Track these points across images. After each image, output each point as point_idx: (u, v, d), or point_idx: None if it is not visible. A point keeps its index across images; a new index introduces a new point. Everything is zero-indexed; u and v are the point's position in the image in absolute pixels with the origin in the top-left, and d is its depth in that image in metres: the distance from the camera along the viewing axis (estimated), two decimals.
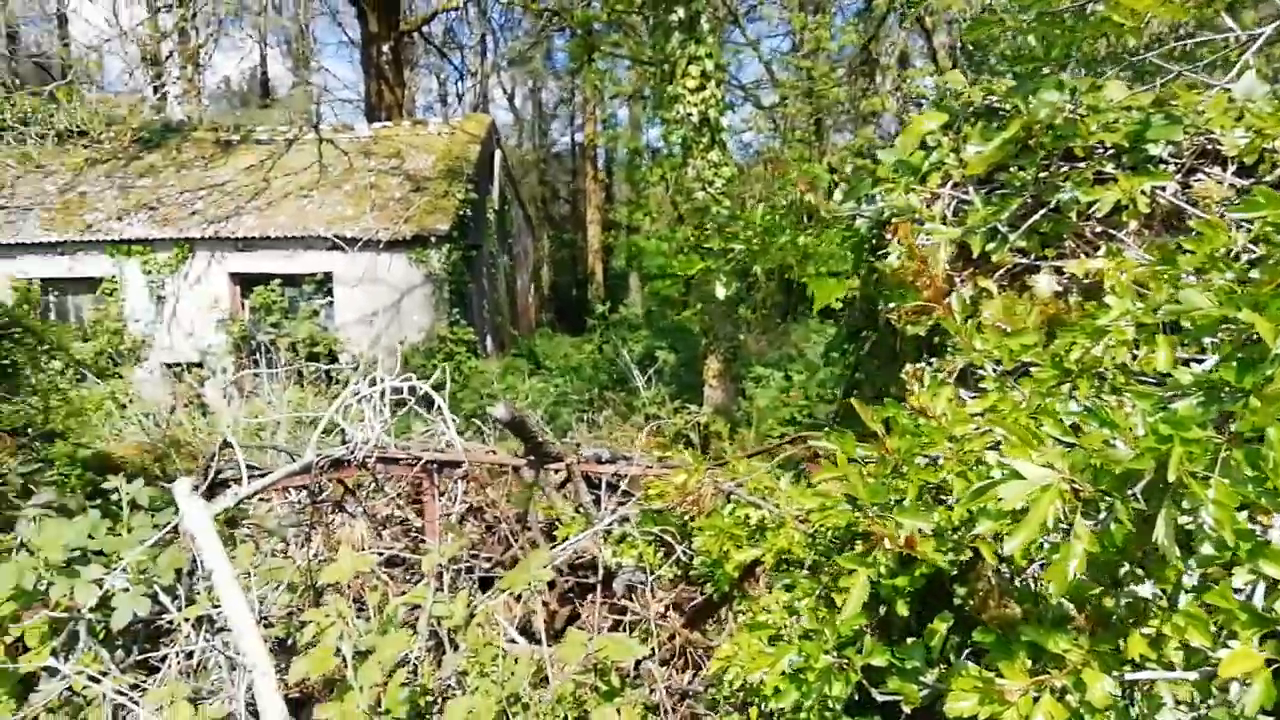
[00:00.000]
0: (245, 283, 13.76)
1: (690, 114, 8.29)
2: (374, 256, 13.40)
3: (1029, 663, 1.44)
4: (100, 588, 2.80)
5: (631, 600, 3.54)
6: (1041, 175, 2.35)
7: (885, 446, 1.66)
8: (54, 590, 2.63)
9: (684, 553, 2.82)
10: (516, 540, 4.44)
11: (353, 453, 3.42)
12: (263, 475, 3.15)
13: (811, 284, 2.42)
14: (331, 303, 13.77)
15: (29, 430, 5.23)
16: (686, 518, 2.78)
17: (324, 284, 13.72)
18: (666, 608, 3.03)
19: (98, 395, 10.80)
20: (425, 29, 27.83)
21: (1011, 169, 2.39)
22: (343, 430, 3.54)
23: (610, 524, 3.09)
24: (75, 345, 12.61)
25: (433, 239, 13.35)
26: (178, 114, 29.39)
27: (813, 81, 15.39)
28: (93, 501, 5.44)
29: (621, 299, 33.80)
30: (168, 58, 30.38)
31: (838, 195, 2.65)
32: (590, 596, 3.22)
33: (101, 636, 2.87)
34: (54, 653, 2.65)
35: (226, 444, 3.31)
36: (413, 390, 3.67)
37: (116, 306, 13.64)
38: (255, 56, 39.27)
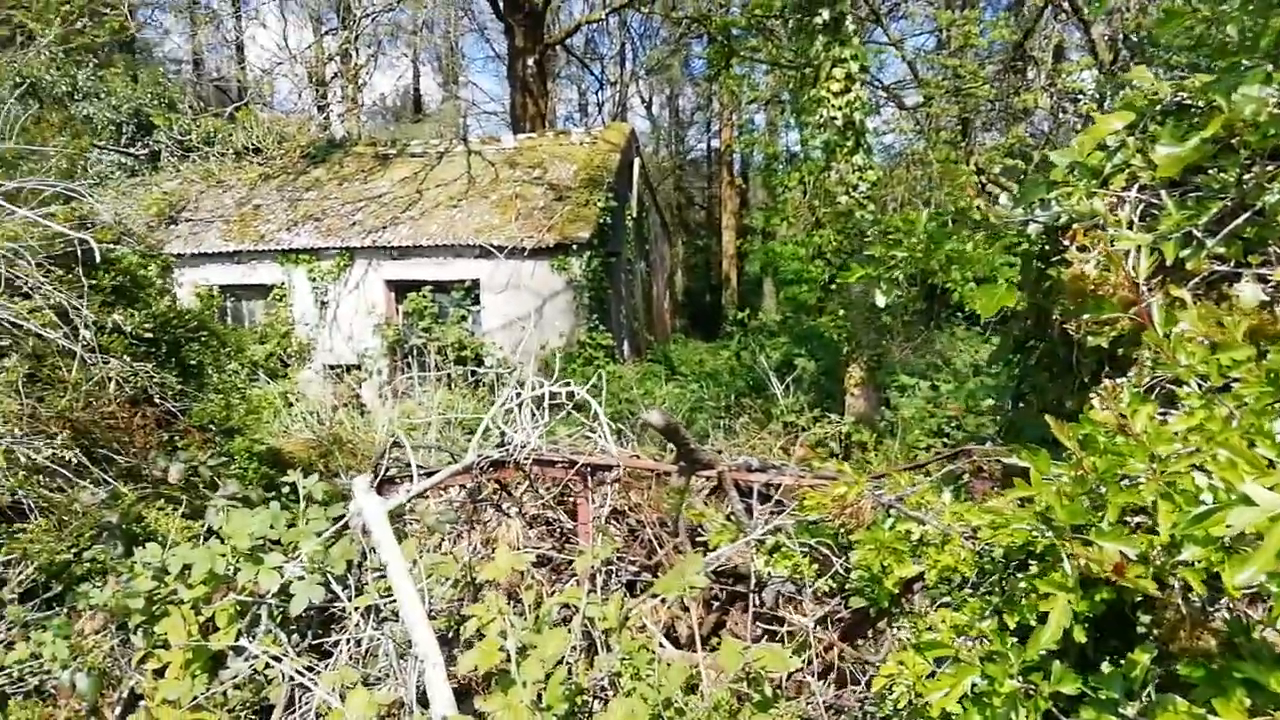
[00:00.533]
0: (399, 289, 14.52)
1: (834, 117, 8.14)
2: (518, 264, 13.86)
3: (1246, 701, 1.32)
4: (280, 575, 3.01)
5: (779, 610, 3.50)
6: (1245, 177, 2.16)
7: (1083, 465, 1.57)
8: (240, 575, 2.85)
9: (841, 567, 2.76)
10: (661, 545, 4.48)
11: (511, 454, 3.54)
12: (428, 474, 3.31)
13: (978, 293, 2.32)
14: (479, 308, 14.33)
15: (213, 425, 5.69)
16: (843, 530, 2.72)
17: (471, 290, 14.30)
18: (820, 621, 2.97)
19: (270, 394, 11.66)
20: (567, 41, 28.63)
21: (1210, 170, 2.21)
22: (501, 432, 3.68)
23: (765, 534, 3.06)
24: (252, 348, 13.68)
25: (574, 246, 13.68)
26: (339, 130, 31.46)
27: (960, 80, 14.77)
28: (269, 494, 5.87)
29: (755, 304, 33.54)
30: (332, 78, 32.50)
31: (1004, 199, 2.53)
32: (738, 604, 3.20)
33: (279, 621, 3.08)
34: (239, 634, 2.87)
35: (396, 443, 3.51)
36: (570, 395, 3.77)
37: (285, 311, 14.69)
38: (409, 74, 41.57)
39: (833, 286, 16.31)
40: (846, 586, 2.82)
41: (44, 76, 17.09)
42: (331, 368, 14.72)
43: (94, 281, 5.09)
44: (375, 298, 14.49)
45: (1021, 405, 2.99)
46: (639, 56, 35.53)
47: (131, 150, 17.34)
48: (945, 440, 7.25)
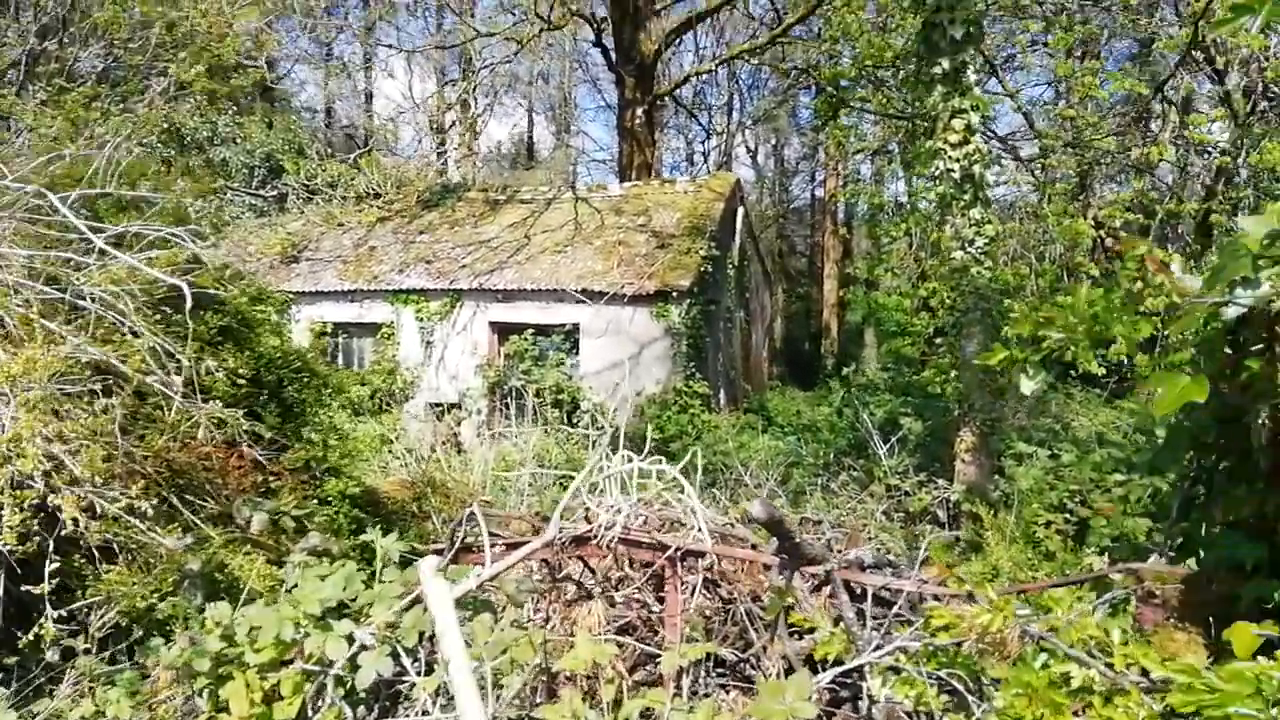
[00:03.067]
0: (503, 331, 14.70)
1: (951, 169, 7.77)
2: (618, 310, 13.83)
3: None
4: (349, 644, 2.87)
5: None
6: None
7: None
8: (309, 643, 2.73)
9: (979, 708, 2.38)
10: (753, 622, 4.16)
11: (596, 534, 3.34)
12: (509, 545, 3.15)
13: (1160, 382, 1.99)
14: (578, 352, 14.34)
15: (310, 466, 5.70)
16: (979, 653, 2.36)
17: (572, 334, 14.35)
18: None
19: (369, 433, 11.88)
20: (676, 92, 28.97)
21: None
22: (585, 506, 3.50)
23: (884, 654, 2.71)
24: (355, 387, 14.06)
25: (674, 294, 13.57)
26: (456, 176, 32.64)
27: (1079, 131, 14.07)
28: (358, 537, 5.84)
29: (856, 354, 32.70)
30: (450, 126, 33.81)
31: (1185, 276, 2.19)
32: (844, 709, 2.87)
33: (346, 691, 2.93)
34: (304, 704, 2.74)
35: (472, 515, 3.36)
36: (661, 473, 3.55)
37: (393, 349, 15.07)
38: (524, 122, 42.97)
39: (937, 340, 15.67)
40: None
41: (186, 123, 18.30)
42: (433, 406, 14.98)
43: (201, 324, 5.21)
44: (479, 339, 14.72)
45: (1196, 514, 2.57)
46: (746, 106, 35.67)
47: (261, 193, 18.33)
48: (1068, 517, 6.66)
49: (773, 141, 38.88)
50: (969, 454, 7.77)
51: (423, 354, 14.97)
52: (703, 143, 35.44)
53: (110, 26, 23.53)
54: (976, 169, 7.72)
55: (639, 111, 20.16)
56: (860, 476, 9.38)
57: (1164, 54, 15.71)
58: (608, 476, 3.47)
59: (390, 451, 11.99)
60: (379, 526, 6.50)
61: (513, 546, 3.32)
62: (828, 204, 32.19)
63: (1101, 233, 14.73)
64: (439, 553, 6.18)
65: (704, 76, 33.11)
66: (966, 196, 7.84)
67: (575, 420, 14.07)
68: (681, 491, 3.72)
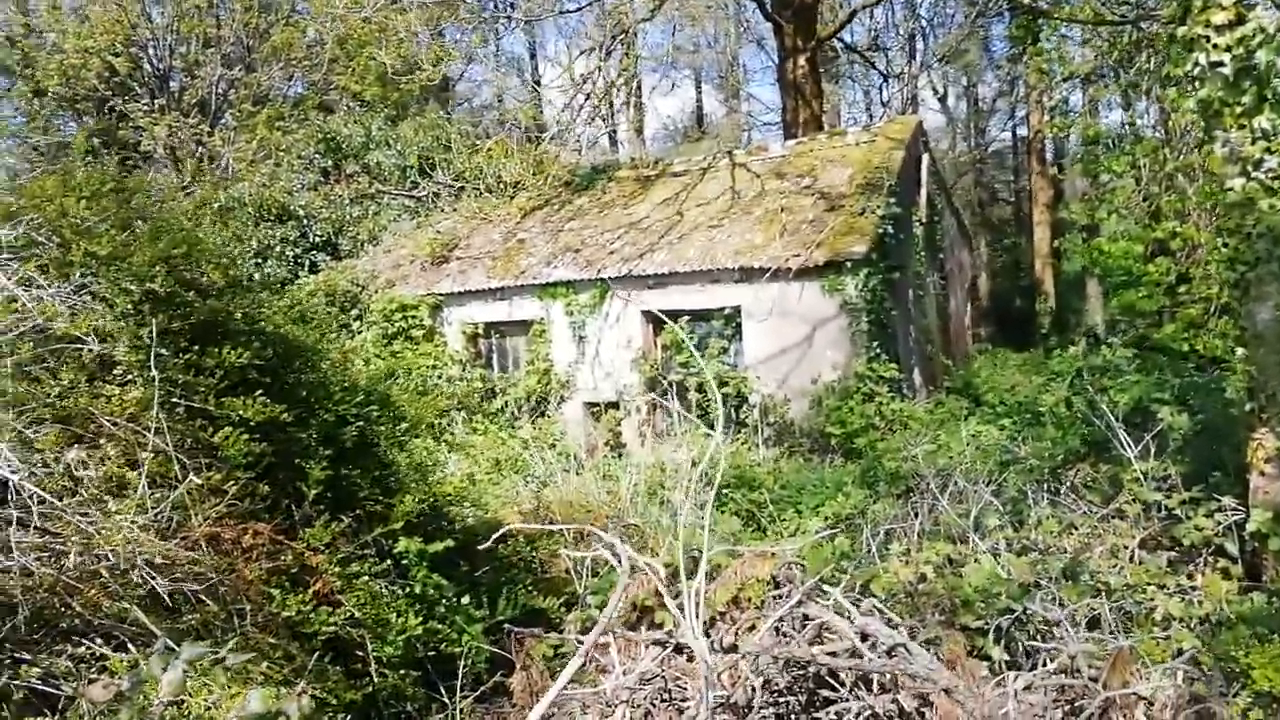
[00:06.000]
0: (657, 321, 13.38)
1: (1220, 63, 5.50)
2: (783, 287, 12.10)
3: None
4: None
5: None
6: None
7: None
8: None
9: None
10: None
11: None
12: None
13: None
14: (740, 338, 12.77)
15: (362, 528, 4.55)
16: None
17: (733, 319, 12.78)
18: None
19: (510, 448, 10.93)
20: (847, 37, 26.38)
21: None
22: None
23: None
24: (517, 387, 13.19)
25: (848, 264, 11.64)
26: (624, 156, 31.69)
27: None
28: (427, 616, 4.63)
29: (1076, 308, 28.75)
30: (611, 104, 32.90)
31: None
32: None
33: None
34: None
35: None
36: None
37: (545, 347, 14.15)
38: (692, 95, 41.60)
39: (1179, 290, 12.77)
40: None
41: (340, 131, 18.30)
42: (590, 405, 13.93)
43: (213, 360, 4.17)
44: (632, 330, 13.47)
45: None
46: (928, 46, 32.19)
47: (414, 193, 18.05)
48: None
49: (964, 81, 35.08)
50: (1271, 464, 5.51)
51: (576, 350, 13.93)
52: (879, 90, 32.33)
53: (287, 48, 24.35)
54: (1261, 56, 5.40)
55: (800, 60, 18.11)
56: (1101, 486, 7.23)
57: None
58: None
59: (544, 460, 11.02)
60: (468, 592, 5.28)
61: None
62: (1032, 142, 28.60)
63: None
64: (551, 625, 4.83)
65: (878, 19, 30.14)
66: (1246, 99, 5.53)
67: (742, 416, 12.52)
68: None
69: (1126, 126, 16.12)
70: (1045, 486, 7.30)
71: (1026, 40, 14.36)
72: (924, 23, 31.16)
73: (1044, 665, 3.88)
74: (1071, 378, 9.69)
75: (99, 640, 3.01)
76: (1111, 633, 4.74)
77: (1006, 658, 4.56)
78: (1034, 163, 28.11)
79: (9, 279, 3.11)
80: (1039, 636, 4.60)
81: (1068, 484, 7.36)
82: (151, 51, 21.76)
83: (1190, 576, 5.52)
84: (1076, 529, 6.62)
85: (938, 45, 31.76)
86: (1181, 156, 11.43)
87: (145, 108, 19.94)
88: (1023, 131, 32.32)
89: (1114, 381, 8.58)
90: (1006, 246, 33.92)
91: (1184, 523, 5.83)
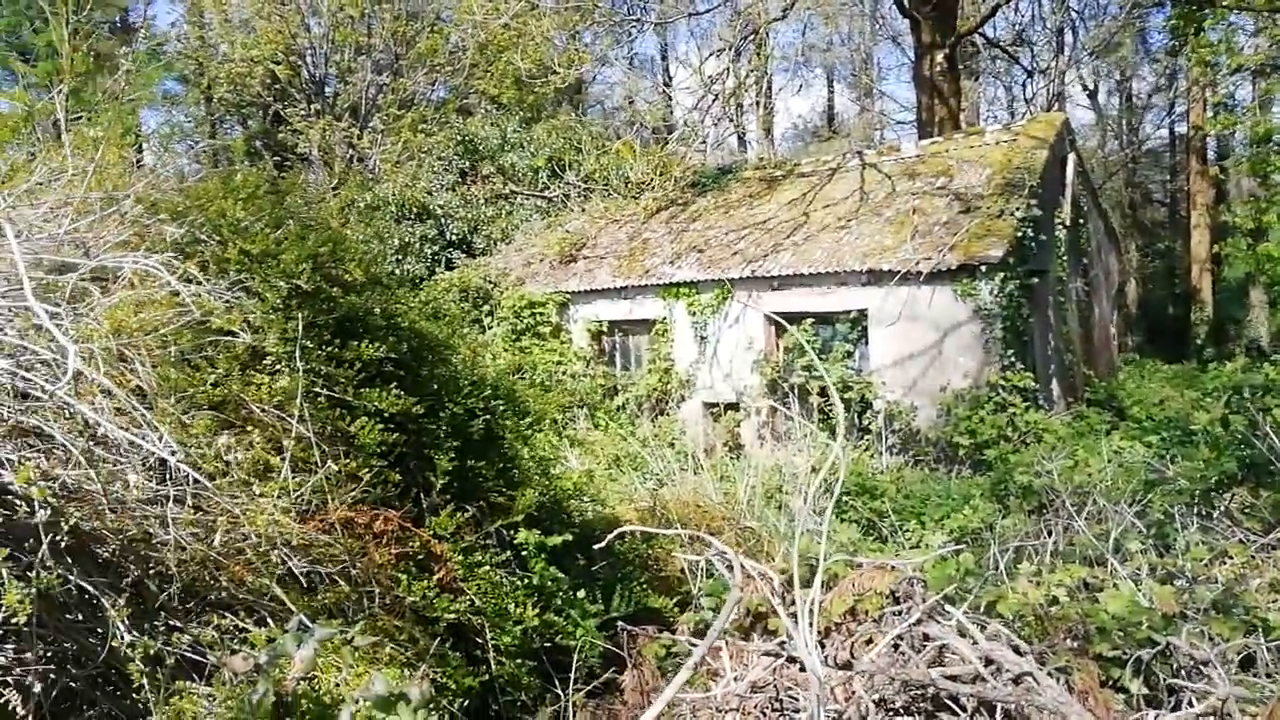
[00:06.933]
0: (780, 322, 13.23)
1: None
2: (913, 291, 11.72)
3: None
4: None
5: None
6: None
7: None
8: None
9: None
10: None
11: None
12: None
13: None
14: (865, 342, 12.46)
15: (484, 518, 4.69)
16: None
17: (858, 322, 12.49)
18: None
19: (630, 444, 11.04)
20: (989, 31, 25.26)
21: None
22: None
23: None
24: (637, 385, 13.33)
25: (982, 268, 11.16)
26: (752, 156, 31.49)
27: None
28: (544, 608, 4.73)
29: (1238, 318, 26.59)
30: (740, 105, 32.73)
31: None
32: None
33: None
34: None
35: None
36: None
37: (666, 346, 14.23)
38: (824, 94, 40.93)
39: None
40: None
41: (478, 133, 18.97)
42: (709, 406, 13.92)
43: (353, 354, 4.39)
44: (754, 331, 13.37)
45: None
46: (1077, 39, 30.44)
47: (545, 194, 18.51)
48: None
49: (1117, 75, 33.01)
50: None
51: (697, 350, 13.95)
52: (1022, 86, 30.84)
53: (431, 54, 25.45)
54: None
55: (938, 57, 17.48)
56: (1262, 513, 6.65)
57: None
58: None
59: (662, 458, 11.09)
60: (584, 586, 5.37)
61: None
62: (1192, 140, 26.66)
63: None
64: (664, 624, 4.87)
65: (1023, 12, 28.72)
66: None
67: (866, 421, 12.21)
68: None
69: None
70: (1196, 510, 6.78)
71: (1189, 31, 13.36)
72: (1074, 15, 29.49)
73: (1189, 706, 3.60)
74: (1230, 394, 8.95)
75: (241, 614, 3.23)
76: (1269, 675, 4.36)
77: (1146, 692, 4.26)
78: (1194, 162, 26.21)
79: (173, 275, 3.38)
80: (1183, 673, 4.27)
81: (1221, 509, 6.80)
82: (309, 59, 23.24)
83: None
84: (1230, 558, 6.12)
85: (1088, 38, 30.01)
86: None
87: (302, 112, 21.29)
88: (1181, 129, 30.21)
89: (1278, 400, 7.88)
90: (1160, 251, 31.76)
91: None
